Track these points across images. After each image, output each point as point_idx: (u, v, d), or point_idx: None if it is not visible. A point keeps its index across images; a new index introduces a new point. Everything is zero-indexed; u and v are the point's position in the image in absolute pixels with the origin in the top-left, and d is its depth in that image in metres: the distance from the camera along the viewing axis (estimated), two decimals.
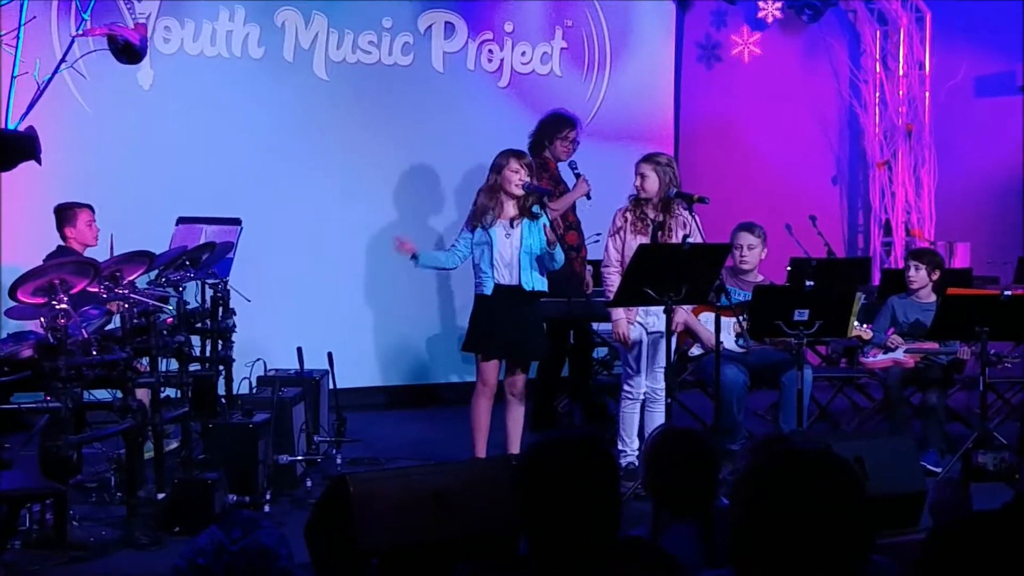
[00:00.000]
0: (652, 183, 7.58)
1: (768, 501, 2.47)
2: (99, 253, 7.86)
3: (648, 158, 7.70)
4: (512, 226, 7.56)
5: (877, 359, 8.56)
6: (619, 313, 7.58)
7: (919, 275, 8.69)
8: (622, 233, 7.59)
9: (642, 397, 7.71)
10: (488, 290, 7.55)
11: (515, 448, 7.60)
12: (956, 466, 7.65)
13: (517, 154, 7.67)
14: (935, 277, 8.73)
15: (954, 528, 2.74)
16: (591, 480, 2.93)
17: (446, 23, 10.73)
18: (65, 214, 8.23)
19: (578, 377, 9.39)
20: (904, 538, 3.77)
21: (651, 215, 7.60)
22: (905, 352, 8.48)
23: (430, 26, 10.68)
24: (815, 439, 6.53)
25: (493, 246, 7.52)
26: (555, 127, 9.05)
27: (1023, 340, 8.21)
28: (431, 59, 10.68)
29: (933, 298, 8.64)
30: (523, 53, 11.03)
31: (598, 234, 8.69)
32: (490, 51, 10.91)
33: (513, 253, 7.55)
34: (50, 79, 7.36)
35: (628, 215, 7.62)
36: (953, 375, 8.49)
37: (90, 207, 8.29)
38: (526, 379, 7.78)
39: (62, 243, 8.16)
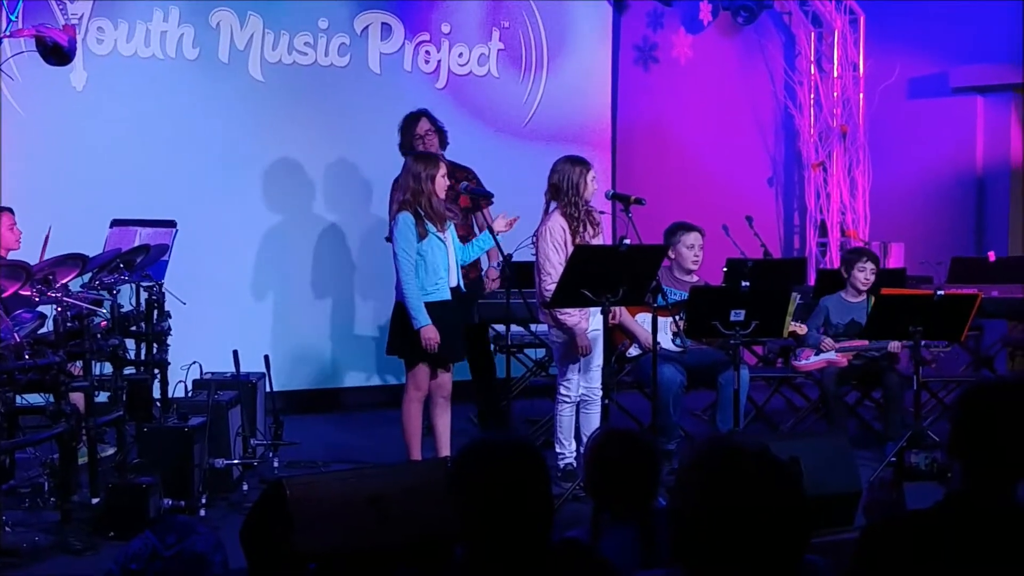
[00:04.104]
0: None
1: (707, 498, 2.48)
2: (34, 249, 7.79)
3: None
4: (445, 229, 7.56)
5: (810, 361, 8.65)
6: (582, 325, 7.55)
7: (873, 276, 8.76)
8: (567, 244, 7.53)
9: (578, 399, 7.71)
10: (439, 297, 7.49)
11: (446, 450, 7.60)
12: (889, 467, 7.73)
13: (439, 158, 7.67)
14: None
15: (885, 526, 2.77)
16: (521, 482, 2.93)
17: (383, 24, 10.70)
18: None
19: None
20: (838, 537, 3.79)
21: (579, 217, 7.59)
22: (837, 352, 8.56)
23: (367, 27, 10.65)
24: (753, 439, 6.56)
25: (447, 252, 7.51)
26: (405, 129, 8.88)
27: (956, 339, 8.29)
28: (368, 60, 10.65)
29: (864, 297, 8.73)
30: (460, 54, 11.02)
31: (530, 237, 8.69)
32: (427, 52, 10.89)
33: (452, 257, 7.55)
34: None
35: (565, 227, 7.57)
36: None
37: (10, 210, 8.11)
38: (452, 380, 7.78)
39: None
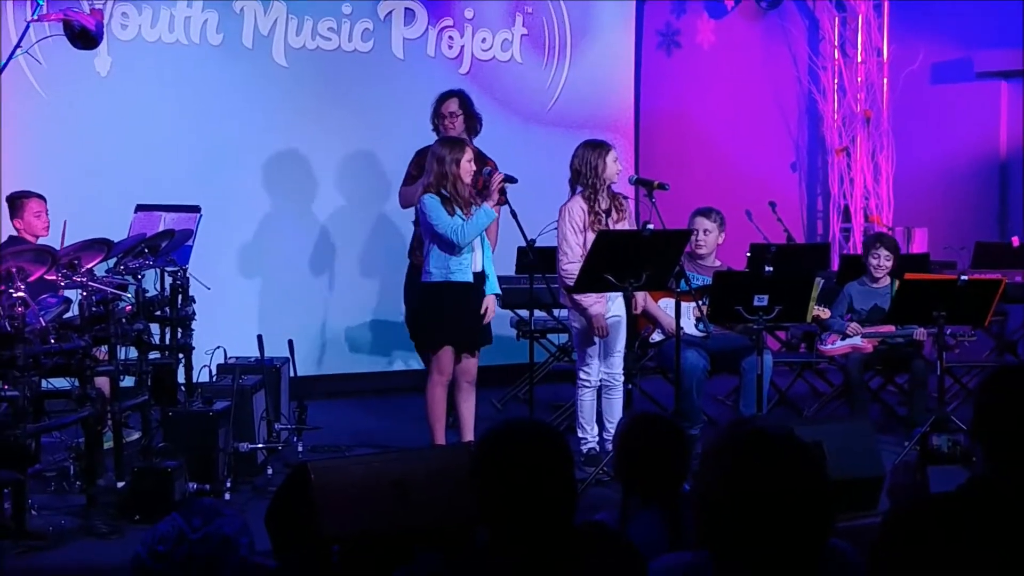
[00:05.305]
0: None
1: (731, 482, 2.49)
2: (51, 241, 7.81)
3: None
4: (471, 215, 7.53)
5: (836, 346, 8.63)
6: (597, 308, 7.55)
7: (888, 263, 8.75)
8: (585, 228, 7.52)
9: (598, 383, 7.70)
10: (461, 278, 7.47)
11: (470, 435, 7.59)
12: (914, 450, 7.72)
13: (465, 143, 7.67)
14: (892, 263, 8.82)
15: (909, 510, 2.77)
16: (544, 466, 2.94)
17: (406, 9, 10.70)
18: (13, 204, 8.07)
19: None
20: (862, 521, 3.79)
21: (603, 204, 7.58)
22: (862, 338, 8.55)
23: (390, 12, 10.65)
24: (777, 424, 6.56)
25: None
26: (434, 107, 8.73)
27: (980, 324, 8.27)
28: (391, 46, 10.65)
29: (888, 282, 8.71)
30: (483, 40, 11.02)
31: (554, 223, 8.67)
32: (450, 37, 10.89)
33: (476, 241, 7.52)
34: (4, 65, 7.29)
35: (584, 209, 7.55)
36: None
37: (40, 197, 8.11)
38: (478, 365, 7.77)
39: (14, 233, 8.06)
